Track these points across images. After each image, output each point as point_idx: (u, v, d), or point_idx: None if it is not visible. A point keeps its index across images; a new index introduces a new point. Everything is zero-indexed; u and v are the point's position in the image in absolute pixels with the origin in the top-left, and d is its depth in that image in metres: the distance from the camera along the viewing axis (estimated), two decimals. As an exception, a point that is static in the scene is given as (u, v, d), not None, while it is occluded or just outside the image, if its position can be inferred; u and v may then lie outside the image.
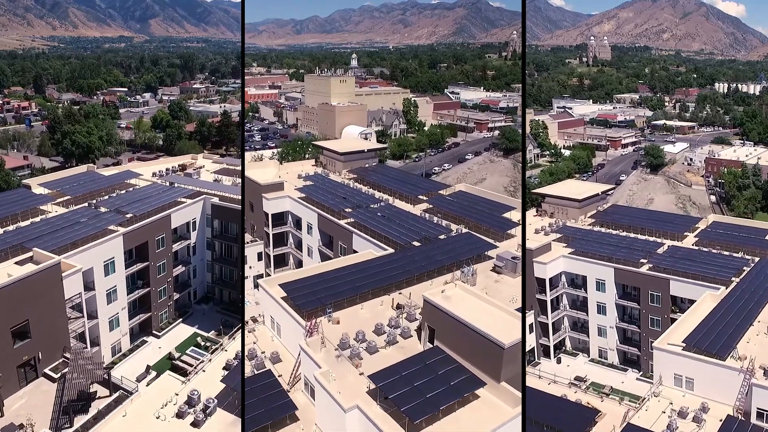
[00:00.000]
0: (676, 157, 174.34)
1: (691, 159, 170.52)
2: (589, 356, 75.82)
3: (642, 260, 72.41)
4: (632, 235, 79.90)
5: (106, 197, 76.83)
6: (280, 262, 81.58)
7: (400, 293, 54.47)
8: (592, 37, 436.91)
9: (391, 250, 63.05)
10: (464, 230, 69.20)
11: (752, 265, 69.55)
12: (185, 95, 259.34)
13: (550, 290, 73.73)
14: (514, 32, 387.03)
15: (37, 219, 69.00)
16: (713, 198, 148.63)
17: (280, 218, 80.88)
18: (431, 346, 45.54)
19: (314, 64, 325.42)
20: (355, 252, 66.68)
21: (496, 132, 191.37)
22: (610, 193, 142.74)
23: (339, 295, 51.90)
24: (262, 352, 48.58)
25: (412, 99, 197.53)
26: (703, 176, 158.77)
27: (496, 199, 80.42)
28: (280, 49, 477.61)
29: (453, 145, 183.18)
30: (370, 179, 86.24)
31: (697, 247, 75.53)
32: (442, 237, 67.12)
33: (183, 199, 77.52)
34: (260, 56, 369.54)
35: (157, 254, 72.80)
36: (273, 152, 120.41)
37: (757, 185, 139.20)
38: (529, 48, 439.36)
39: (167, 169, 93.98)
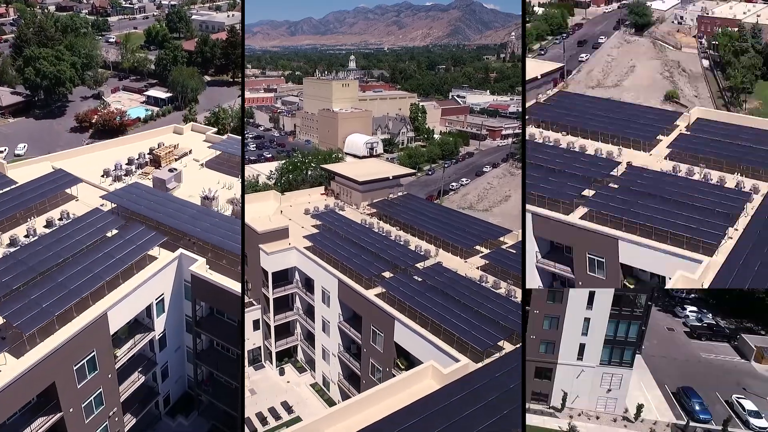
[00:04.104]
0: (665, 15, 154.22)
1: (681, 17, 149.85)
2: None
3: (584, 192, 46.15)
4: (578, 143, 52.34)
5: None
6: (284, 331, 62.43)
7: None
8: (512, 34, 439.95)
9: (466, 361, 39.40)
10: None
11: (755, 199, 44.60)
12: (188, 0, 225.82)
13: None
14: (512, 34, 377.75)
15: None
16: (706, 63, 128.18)
17: (283, 276, 59.58)
18: None
19: (310, 66, 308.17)
20: (397, 345, 45.48)
21: (511, 140, 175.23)
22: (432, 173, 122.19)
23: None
24: None
25: (420, 104, 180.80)
26: (695, 36, 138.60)
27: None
28: (275, 50, 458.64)
29: (467, 155, 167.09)
30: (400, 218, 65.74)
31: (672, 165, 49.64)
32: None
33: (148, 253, 44.93)
34: (255, 58, 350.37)
35: (80, 392, 39.87)
36: (271, 171, 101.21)
37: (756, 49, 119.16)
38: (457, 47, 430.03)
39: (129, 161, 61.48)
